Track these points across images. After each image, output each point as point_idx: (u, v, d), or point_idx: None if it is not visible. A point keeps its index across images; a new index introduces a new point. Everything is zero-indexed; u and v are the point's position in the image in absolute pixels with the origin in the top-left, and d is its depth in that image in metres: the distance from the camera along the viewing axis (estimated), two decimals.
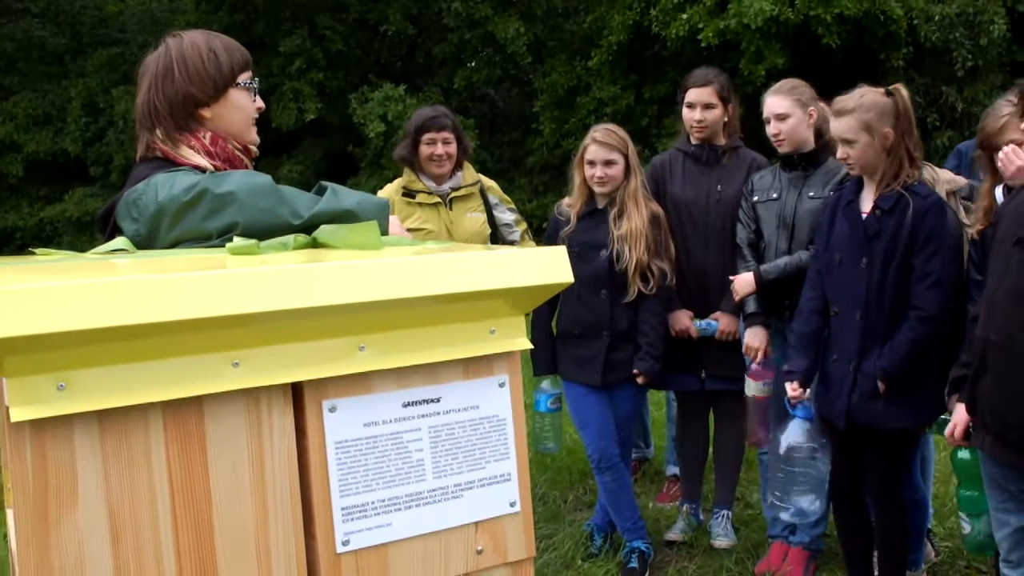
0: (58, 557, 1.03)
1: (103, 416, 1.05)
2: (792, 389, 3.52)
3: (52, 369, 1.01)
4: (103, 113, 17.92)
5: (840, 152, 3.42)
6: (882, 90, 3.37)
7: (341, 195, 1.77)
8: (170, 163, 1.97)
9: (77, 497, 1.04)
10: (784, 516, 3.69)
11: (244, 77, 2.10)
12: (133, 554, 1.07)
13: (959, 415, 3.10)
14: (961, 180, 3.75)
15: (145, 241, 1.76)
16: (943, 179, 3.65)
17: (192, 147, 2.02)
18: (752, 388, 3.92)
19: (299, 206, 1.71)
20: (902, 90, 3.36)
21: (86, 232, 16.84)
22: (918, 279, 3.28)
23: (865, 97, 3.34)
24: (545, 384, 4.37)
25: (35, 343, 0.98)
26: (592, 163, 3.99)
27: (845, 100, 3.37)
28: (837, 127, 3.38)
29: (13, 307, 0.95)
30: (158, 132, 2.03)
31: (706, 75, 4.22)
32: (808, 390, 3.55)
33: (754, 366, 3.92)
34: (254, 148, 2.17)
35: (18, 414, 1.00)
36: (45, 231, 17.80)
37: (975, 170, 3.70)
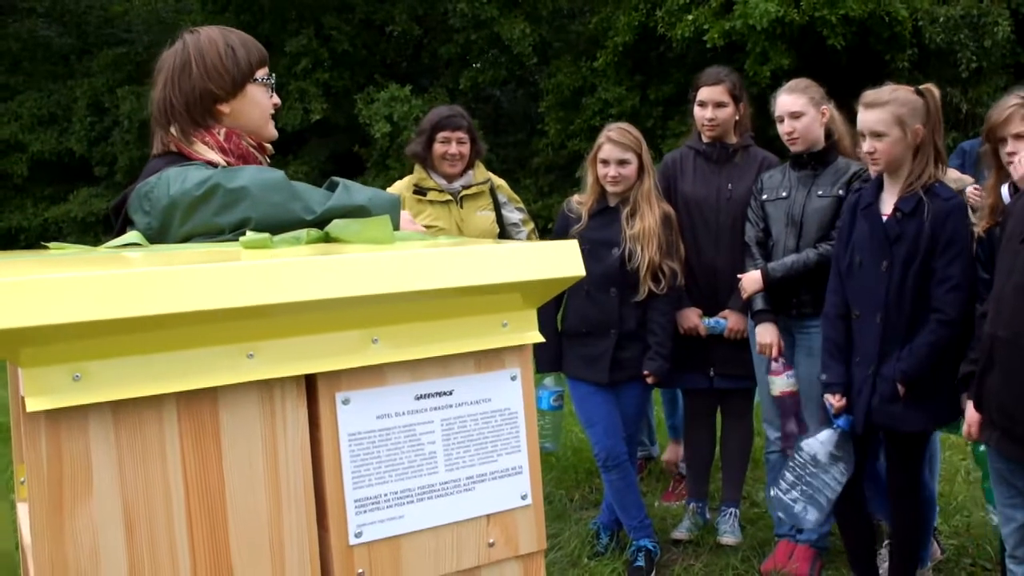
0: (72, 547, 1.03)
1: (118, 407, 1.05)
2: (836, 400, 3.45)
3: (67, 360, 1.01)
4: (108, 113, 18.00)
5: (867, 145, 3.35)
6: (912, 88, 3.36)
7: (353, 190, 1.77)
8: (183, 158, 1.97)
9: (92, 487, 1.04)
10: (782, 515, 3.66)
11: (261, 73, 2.10)
12: (147, 544, 1.07)
13: (969, 412, 3.09)
14: (968, 179, 3.74)
15: (157, 235, 1.76)
16: (950, 178, 3.64)
17: (206, 143, 2.02)
18: (778, 385, 3.85)
19: (312, 201, 1.71)
20: (933, 90, 3.34)
21: (91, 232, 16.89)
22: (939, 282, 3.25)
23: (898, 92, 3.31)
24: (548, 381, 4.37)
25: (51, 334, 0.98)
26: (606, 162, 3.98)
27: (877, 93, 3.33)
28: (867, 119, 3.32)
29: (29, 298, 0.95)
30: (173, 128, 2.03)
31: (718, 74, 4.23)
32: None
33: (774, 364, 3.87)
34: (269, 146, 2.18)
35: (34, 404, 1.00)
36: (50, 231, 17.85)
37: (979, 168, 3.70)
